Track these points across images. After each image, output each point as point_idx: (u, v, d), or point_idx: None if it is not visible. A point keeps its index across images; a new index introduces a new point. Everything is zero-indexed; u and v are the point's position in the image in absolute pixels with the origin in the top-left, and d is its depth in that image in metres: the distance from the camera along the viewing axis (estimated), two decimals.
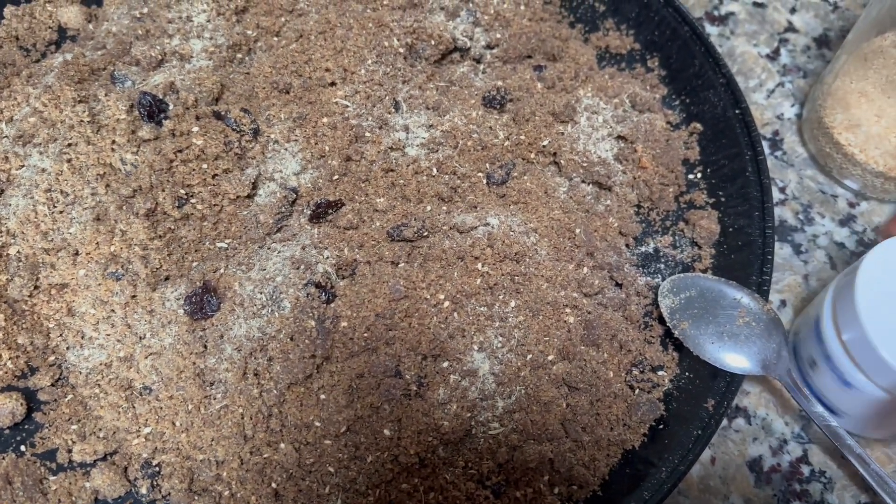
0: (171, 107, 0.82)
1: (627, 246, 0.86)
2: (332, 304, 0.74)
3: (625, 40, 1.02)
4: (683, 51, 0.97)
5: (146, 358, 0.73)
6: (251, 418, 0.71)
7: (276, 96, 0.86)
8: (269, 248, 0.79)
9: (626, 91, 0.94)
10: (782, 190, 0.96)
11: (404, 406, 0.71)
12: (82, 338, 0.77)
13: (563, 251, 0.80)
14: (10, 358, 0.77)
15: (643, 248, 0.87)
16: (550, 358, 0.75)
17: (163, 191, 0.78)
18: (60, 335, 0.78)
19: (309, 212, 0.80)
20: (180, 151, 0.79)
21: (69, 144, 0.81)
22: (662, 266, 0.86)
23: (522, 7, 0.97)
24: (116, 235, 0.77)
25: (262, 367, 0.71)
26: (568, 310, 0.77)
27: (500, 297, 0.75)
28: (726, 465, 0.79)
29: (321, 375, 0.72)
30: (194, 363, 0.72)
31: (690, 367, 0.79)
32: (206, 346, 0.72)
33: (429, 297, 0.74)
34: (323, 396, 0.71)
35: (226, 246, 0.79)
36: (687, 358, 0.79)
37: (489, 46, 0.96)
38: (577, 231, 0.81)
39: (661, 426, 0.76)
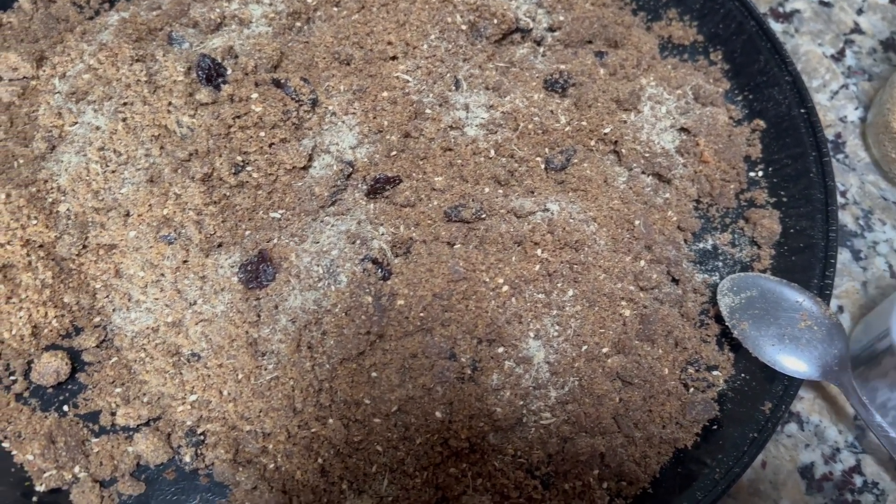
0: (229, 71, 0.80)
1: (685, 241, 0.84)
2: (389, 282, 0.72)
3: (688, 31, 0.99)
4: (748, 46, 0.94)
5: (196, 324, 0.72)
6: (301, 392, 0.69)
7: (336, 67, 0.84)
8: (322, 221, 0.78)
9: (689, 83, 0.92)
10: (843, 194, 0.94)
11: (457, 389, 0.70)
12: (129, 300, 0.76)
13: (622, 242, 0.78)
14: (55, 316, 0.76)
15: (701, 245, 0.85)
16: (605, 350, 0.73)
17: (219, 156, 0.76)
18: (107, 296, 0.77)
19: (366, 186, 0.78)
20: (239, 117, 0.77)
21: (125, 103, 0.79)
22: (720, 264, 0.84)
23: None
24: (170, 198, 0.75)
25: (315, 340, 0.70)
26: (624, 302, 0.76)
27: (559, 284, 0.74)
28: (777, 470, 0.77)
29: (374, 353, 0.71)
30: (247, 332, 0.70)
31: (746, 368, 0.77)
32: (259, 316, 0.71)
33: (487, 280, 0.72)
34: (374, 374, 0.70)
35: (279, 216, 0.77)
36: (742, 359, 0.78)
37: (551, 29, 0.94)
38: (637, 223, 0.79)
39: (714, 427, 0.74)
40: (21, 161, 0.81)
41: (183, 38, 0.85)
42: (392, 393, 0.69)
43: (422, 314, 0.71)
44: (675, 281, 0.81)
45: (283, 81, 0.81)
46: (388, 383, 0.69)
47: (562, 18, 0.93)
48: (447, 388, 0.70)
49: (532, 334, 0.72)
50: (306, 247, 0.75)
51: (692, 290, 0.80)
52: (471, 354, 0.70)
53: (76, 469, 0.70)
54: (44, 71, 0.87)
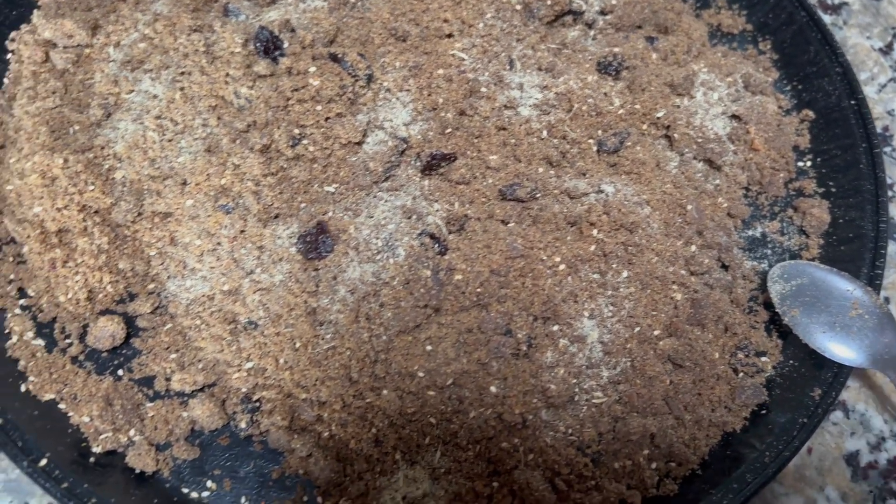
0: (286, 44, 0.81)
1: (735, 228, 0.84)
2: (446, 256, 0.73)
3: (737, 20, 0.99)
4: (798, 36, 0.94)
5: (254, 293, 0.72)
6: (358, 362, 0.70)
7: (392, 44, 0.84)
8: (375, 196, 0.78)
9: (739, 71, 0.92)
10: (890, 187, 0.94)
11: (512, 365, 0.70)
12: (184, 268, 0.76)
13: (674, 226, 0.79)
14: (110, 282, 0.77)
15: (750, 232, 0.86)
16: (657, 333, 0.74)
17: (277, 128, 0.76)
18: (161, 264, 0.77)
19: (421, 163, 0.78)
20: (297, 90, 0.78)
21: (182, 73, 0.80)
22: (769, 252, 0.85)
23: None
24: (228, 168, 0.76)
25: (373, 311, 0.70)
26: (675, 286, 0.76)
27: (614, 265, 0.74)
28: (823, 456, 0.78)
29: (430, 326, 0.71)
30: (306, 302, 0.71)
31: (794, 354, 0.77)
32: (318, 286, 0.71)
33: (545, 258, 0.73)
34: (430, 347, 0.70)
35: (333, 190, 0.78)
36: (791, 346, 0.78)
37: (602, 12, 0.94)
38: (689, 207, 0.80)
39: (762, 411, 0.75)
40: (77, 127, 0.81)
41: (239, 9, 0.85)
42: (447, 366, 0.70)
43: (479, 290, 0.71)
44: (725, 267, 0.81)
45: (339, 56, 0.81)
46: (444, 357, 0.70)
47: (613, 2, 0.93)
48: (502, 363, 0.70)
49: (587, 314, 0.72)
50: (362, 220, 0.75)
51: (741, 277, 0.81)
52: (526, 331, 0.71)
53: (132, 432, 0.71)
54: (98, 39, 0.88)
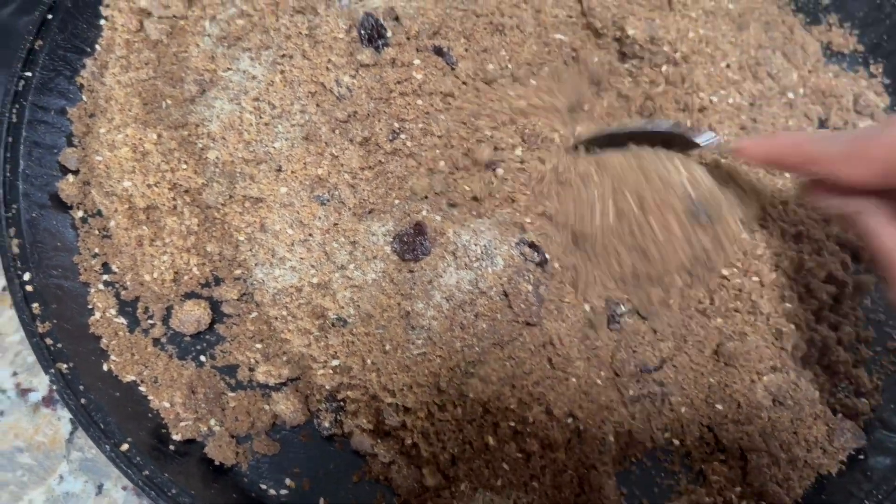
0: (389, 34, 0.78)
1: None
2: (546, 268, 0.70)
3: (848, 39, 0.95)
4: None
5: (345, 289, 0.70)
6: (448, 371, 0.68)
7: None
8: None
9: (849, 91, 0.88)
10: None
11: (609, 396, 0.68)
12: (273, 256, 0.74)
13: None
14: (196, 264, 0.75)
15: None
16: (761, 367, 0.71)
17: (378, 120, 0.74)
18: (250, 250, 0.75)
19: None
20: (400, 83, 0.75)
21: (283, 55, 0.77)
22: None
23: None
24: (326, 158, 0.74)
25: (468, 321, 0.68)
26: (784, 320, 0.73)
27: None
28: None
29: (521, 340, 0.69)
30: (399, 304, 0.69)
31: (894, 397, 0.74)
32: (412, 289, 0.69)
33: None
34: (519, 364, 0.68)
35: None
36: (892, 387, 0.75)
37: None
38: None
39: (860, 456, 0.71)
40: (170, 102, 0.80)
41: None
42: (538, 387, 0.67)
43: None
44: (837, 300, 0.77)
45: (444, 49, 0.78)
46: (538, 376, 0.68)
47: None
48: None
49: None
50: (458, 224, 0.73)
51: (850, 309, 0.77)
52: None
53: (212, 422, 0.69)
54: (193, 11, 0.85)
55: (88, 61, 0.85)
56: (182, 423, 0.69)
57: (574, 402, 0.68)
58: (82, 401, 0.66)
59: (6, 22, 1.44)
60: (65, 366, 0.67)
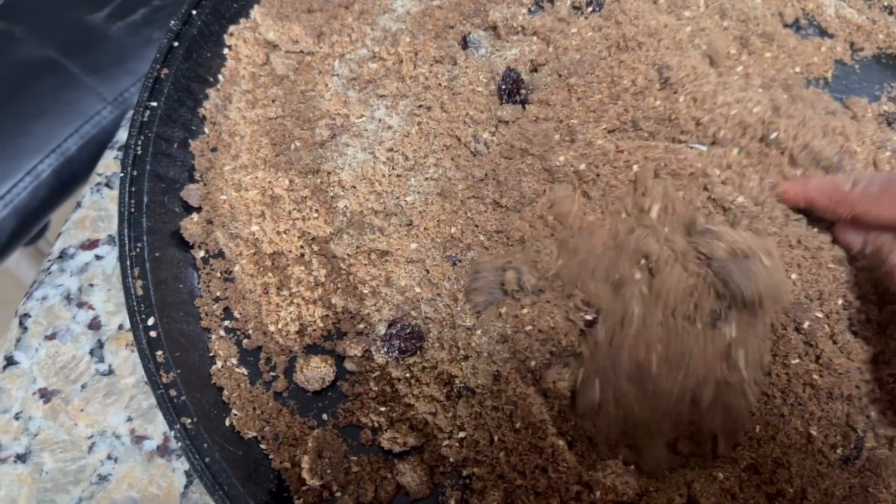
0: (527, 87, 0.75)
1: None
2: None
3: None
4: None
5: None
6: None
7: None
8: None
9: None
10: None
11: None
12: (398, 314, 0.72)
13: None
14: (321, 317, 0.73)
15: None
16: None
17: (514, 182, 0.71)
18: (374, 304, 0.73)
19: None
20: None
21: (420, 106, 0.75)
22: None
23: None
24: (460, 217, 0.71)
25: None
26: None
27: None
28: None
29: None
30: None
31: None
32: None
33: None
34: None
35: None
36: None
37: None
38: None
39: None
40: (298, 144, 0.78)
41: (479, 41, 0.79)
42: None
43: None
44: None
45: None
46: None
47: None
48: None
49: None
50: None
51: None
52: None
53: (333, 486, 0.67)
54: (321, 47, 0.83)
55: (211, 92, 0.83)
56: (304, 487, 0.67)
57: None
58: (206, 460, 0.64)
59: (100, 25, 1.43)
60: (189, 420, 0.65)
